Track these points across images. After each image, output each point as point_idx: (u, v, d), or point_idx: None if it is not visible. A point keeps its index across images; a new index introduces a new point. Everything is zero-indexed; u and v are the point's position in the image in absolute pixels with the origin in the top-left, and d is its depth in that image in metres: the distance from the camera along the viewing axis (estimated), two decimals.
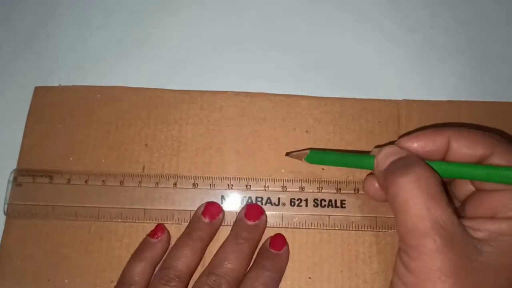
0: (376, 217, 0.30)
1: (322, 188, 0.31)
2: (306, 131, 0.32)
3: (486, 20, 0.36)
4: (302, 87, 0.33)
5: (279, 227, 0.30)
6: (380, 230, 0.29)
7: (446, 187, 0.23)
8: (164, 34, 0.36)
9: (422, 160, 0.24)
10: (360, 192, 0.30)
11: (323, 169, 0.31)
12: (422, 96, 0.32)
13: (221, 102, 0.33)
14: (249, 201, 0.30)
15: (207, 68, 0.35)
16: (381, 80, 0.34)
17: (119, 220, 0.30)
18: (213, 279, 0.26)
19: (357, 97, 0.33)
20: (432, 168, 0.23)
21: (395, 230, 0.29)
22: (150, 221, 0.30)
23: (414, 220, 0.21)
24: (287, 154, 0.31)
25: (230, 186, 0.31)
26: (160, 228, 0.30)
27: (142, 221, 0.30)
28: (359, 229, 0.30)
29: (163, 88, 0.33)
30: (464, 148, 0.23)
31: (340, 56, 0.35)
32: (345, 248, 0.29)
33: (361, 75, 0.34)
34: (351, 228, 0.30)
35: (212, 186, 0.31)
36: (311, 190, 0.30)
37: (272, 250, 0.29)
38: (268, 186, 0.31)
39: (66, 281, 0.29)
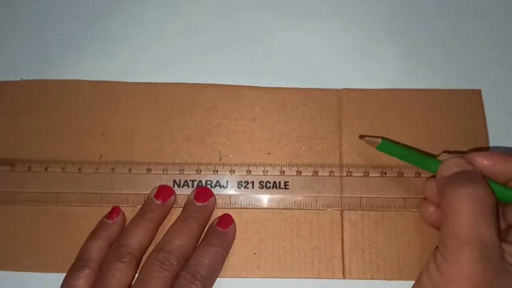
0: (316, 197, 0.32)
1: (267, 171, 0.33)
2: (253, 119, 0.34)
3: (417, 14, 0.38)
4: (250, 78, 0.35)
5: (227, 208, 0.32)
6: (320, 209, 0.32)
7: (497, 207, 0.24)
8: (120, 29, 0.38)
9: (484, 178, 0.25)
10: (302, 174, 0.32)
11: (268, 153, 0.33)
12: (361, 85, 0.35)
13: (174, 93, 0.35)
14: (200, 184, 0.32)
15: (160, 61, 0.37)
16: (323, 71, 0.36)
17: (78, 204, 0.32)
18: (163, 255, 0.28)
19: (301, 87, 0.35)
20: (491, 189, 0.24)
21: (336, 209, 0.31)
22: (107, 205, 0.32)
23: (461, 228, 0.23)
24: (361, 137, 0.32)
25: (181, 171, 0.33)
26: (116, 210, 0.31)
27: (99, 204, 0.32)
28: (301, 208, 0.32)
29: (119, 81, 0.35)
30: None
31: (285, 49, 0.37)
32: (288, 226, 0.31)
33: (305, 67, 0.36)
34: (293, 207, 0.32)
35: (164, 171, 0.33)
36: (257, 173, 0.33)
37: (220, 229, 0.31)
38: (217, 170, 0.33)
39: (27, 261, 0.31)
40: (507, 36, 0.37)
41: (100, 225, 0.31)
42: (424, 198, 0.30)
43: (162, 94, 0.35)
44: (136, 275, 0.29)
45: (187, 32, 0.38)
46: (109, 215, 0.31)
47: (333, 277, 0.30)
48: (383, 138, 0.31)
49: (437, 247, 0.25)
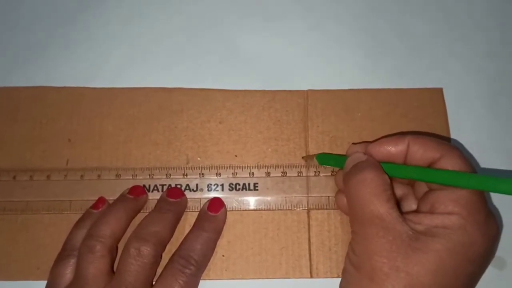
0: (285, 197, 0.32)
1: (236, 173, 0.33)
2: (220, 122, 0.35)
3: (380, 15, 0.39)
4: (216, 81, 0.36)
5: (197, 211, 0.32)
6: (288, 209, 0.32)
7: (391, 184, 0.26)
8: (84, 34, 0.38)
9: (375, 163, 0.27)
10: (271, 175, 0.33)
11: (236, 156, 0.34)
12: (326, 86, 0.35)
13: (140, 98, 0.35)
14: (170, 187, 0.32)
15: (126, 66, 0.37)
16: (289, 73, 0.36)
17: (47, 212, 0.32)
18: (137, 242, 0.28)
19: (267, 89, 0.35)
20: (382, 171, 0.26)
21: (304, 209, 0.32)
22: (76, 212, 0.32)
23: (358, 212, 0.26)
24: (303, 157, 0.33)
25: (151, 176, 0.33)
26: (101, 201, 0.32)
27: (68, 212, 0.32)
28: (270, 208, 0.32)
29: (84, 86, 0.35)
30: (418, 151, 0.26)
31: (251, 52, 0.37)
32: (256, 227, 0.32)
33: (271, 69, 0.37)
34: (263, 208, 0.32)
35: (134, 176, 0.33)
36: (226, 176, 0.33)
37: (210, 213, 0.31)
38: (186, 174, 0.33)
39: None
40: (467, 35, 0.38)
41: (86, 215, 0.31)
42: (338, 190, 0.31)
43: (128, 98, 0.35)
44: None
45: (152, 36, 0.38)
46: (94, 205, 0.31)
47: (301, 276, 0.31)
48: (321, 153, 0.32)
49: None
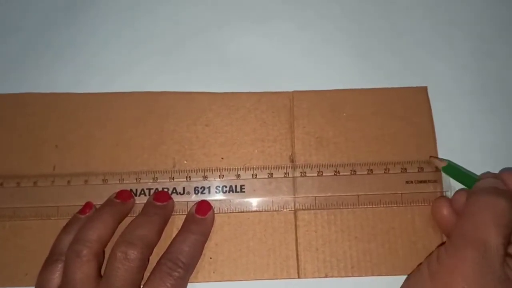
0: (272, 198, 0.32)
1: (223, 176, 0.33)
2: (206, 125, 0.35)
3: (364, 15, 0.39)
4: (202, 84, 0.36)
5: (184, 214, 0.32)
6: (275, 210, 0.32)
7: None
8: (70, 40, 0.38)
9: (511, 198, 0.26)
10: (257, 177, 0.33)
11: (222, 158, 0.34)
12: (312, 87, 0.35)
13: (126, 102, 0.35)
14: (157, 191, 0.33)
15: (112, 71, 0.37)
16: (275, 74, 0.36)
17: (34, 219, 0.32)
18: (124, 246, 0.28)
19: (253, 91, 0.35)
20: None
21: (290, 210, 0.32)
22: (63, 217, 0.32)
23: (470, 229, 0.25)
24: (430, 157, 0.33)
25: (138, 180, 0.33)
26: (88, 206, 0.32)
27: (56, 217, 0.32)
28: (257, 210, 0.32)
29: (70, 92, 0.36)
30: None
31: (237, 54, 0.37)
32: (243, 229, 0.32)
33: (256, 71, 0.37)
34: (250, 210, 0.32)
35: (121, 180, 0.33)
36: (213, 178, 0.33)
37: (198, 216, 0.31)
38: (173, 177, 0.33)
39: None
40: (451, 33, 0.38)
41: (73, 220, 0.31)
42: (439, 197, 0.31)
43: (115, 103, 0.35)
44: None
45: (138, 40, 0.38)
46: (81, 210, 0.31)
47: (289, 277, 0.31)
48: (448, 161, 0.32)
49: (442, 243, 0.28)
